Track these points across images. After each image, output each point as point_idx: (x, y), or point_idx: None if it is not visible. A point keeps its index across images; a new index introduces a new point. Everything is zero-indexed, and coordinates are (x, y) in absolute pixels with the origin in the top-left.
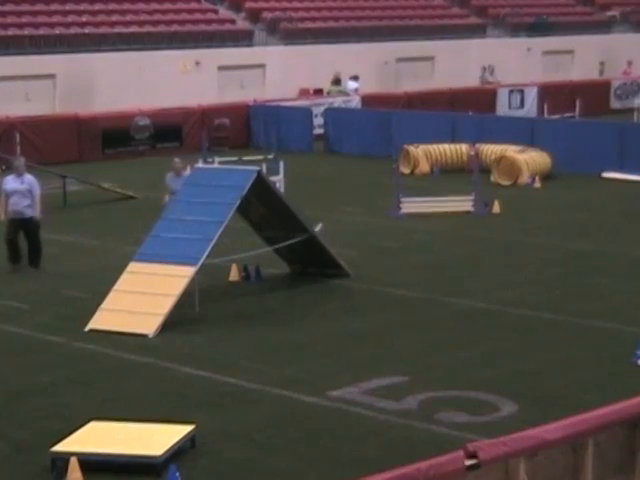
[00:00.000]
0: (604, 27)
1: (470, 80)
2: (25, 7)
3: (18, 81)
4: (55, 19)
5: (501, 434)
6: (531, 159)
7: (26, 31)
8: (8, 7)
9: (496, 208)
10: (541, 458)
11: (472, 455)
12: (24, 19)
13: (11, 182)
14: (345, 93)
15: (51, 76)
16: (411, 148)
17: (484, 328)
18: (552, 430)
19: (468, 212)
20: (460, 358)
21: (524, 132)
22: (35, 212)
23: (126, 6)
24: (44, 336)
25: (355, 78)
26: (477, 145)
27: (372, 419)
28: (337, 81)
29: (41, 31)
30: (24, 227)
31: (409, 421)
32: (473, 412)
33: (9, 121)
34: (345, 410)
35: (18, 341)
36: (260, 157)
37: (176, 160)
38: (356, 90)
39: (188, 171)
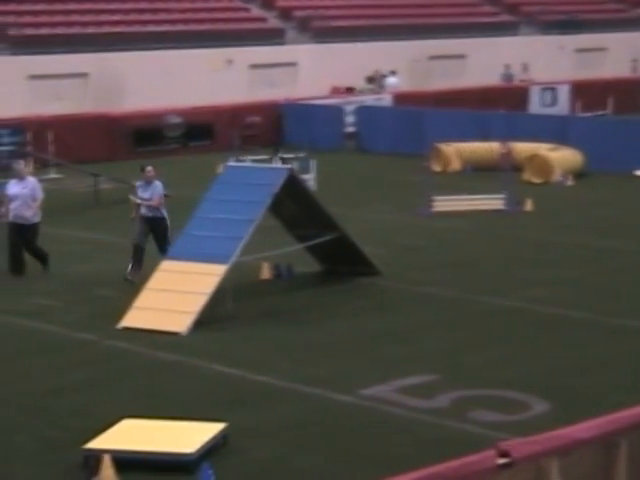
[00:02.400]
0: (636, 24)
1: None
2: (58, 6)
3: (51, 80)
4: (87, 18)
5: (533, 433)
6: (563, 157)
7: (59, 30)
8: (41, 6)
9: (528, 206)
10: (573, 457)
11: (504, 454)
12: (57, 18)
13: (14, 187)
14: (374, 90)
15: (83, 75)
16: (442, 146)
17: (515, 326)
18: (584, 429)
19: (500, 210)
20: (491, 356)
21: (556, 130)
22: (36, 216)
23: (159, 5)
24: (76, 334)
25: (393, 73)
26: (509, 143)
27: (403, 417)
28: (370, 79)
29: (74, 30)
30: (22, 232)
31: (440, 420)
32: (505, 411)
33: (42, 120)
34: (376, 408)
35: (50, 339)
36: (291, 155)
37: (148, 168)
38: (396, 86)
39: (158, 182)
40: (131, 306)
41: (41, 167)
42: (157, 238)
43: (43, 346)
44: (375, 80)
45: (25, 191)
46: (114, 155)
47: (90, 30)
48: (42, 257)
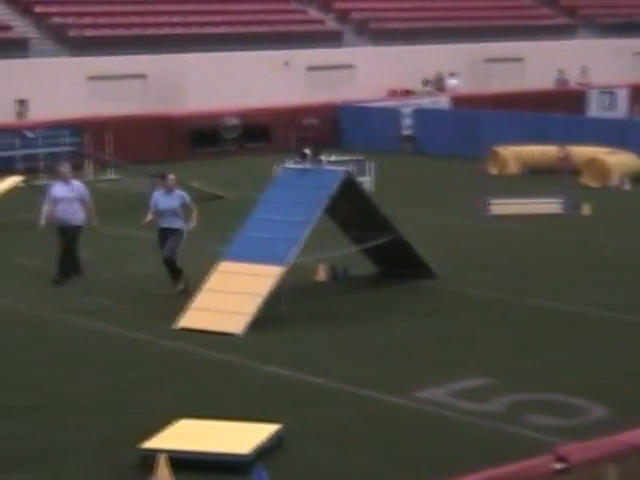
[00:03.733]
0: None
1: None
2: (118, 8)
3: (110, 81)
4: (147, 20)
5: (591, 438)
6: (621, 161)
7: (118, 31)
8: (101, 8)
9: (586, 210)
10: (631, 463)
11: (561, 459)
12: (116, 20)
13: (59, 189)
14: (431, 93)
15: (142, 76)
16: (500, 149)
17: (570, 330)
18: None
19: (557, 214)
20: (547, 360)
21: (614, 133)
22: (90, 219)
23: (217, 7)
24: (132, 333)
25: (453, 75)
26: (567, 147)
27: (458, 421)
28: (427, 81)
29: (133, 31)
30: (64, 235)
31: (496, 423)
32: (561, 415)
33: (101, 120)
34: (431, 411)
35: (107, 338)
36: (348, 157)
37: (171, 177)
38: (456, 87)
39: (179, 191)
40: (187, 307)
41: (100, 167)
42: (166, 244)
43: (100, 345)
44: (436, 82)
45: (71, 194)
46: (172, 156)
47: (149, 32)
48: (66, 265)
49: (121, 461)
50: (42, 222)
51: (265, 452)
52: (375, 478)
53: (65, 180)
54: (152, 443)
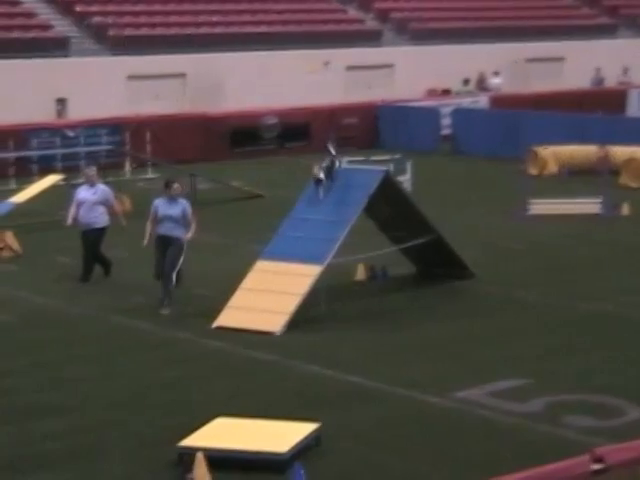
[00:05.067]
0: None
1: None
2: (157, 7)
3: (149, 80)
4: (186, 19)
5: (628, 439)
6: None
7: (158, 31)
8: (140, 7)
9: (625, 210)
10: None
11: (598, 459)
12: (156, 19)
13: (83, 192)
14: (472, 93)
15: (181, 75)
16: (539, 149)
17: (609, 332)
18: None
19: (597, 214)
20: (585, 361)
21: None
22: (119, 220)
23: (256, 6)
24: (171, 332)
25: (496, 74)
26: (606, 147)
27: (496, 421)
28: (467, 81)
29: (172, 31)
30: (87, 237)
31: (534, 424)
32: (599, 416)
33: (140, 119)
34: (469, 411)
35: (145, 336)
36: (387, 157)
37: (175, 185)
38: (499, 86)
39: (183, 200)
40: (225, 305)
41: (138, 166)
42: (166, 257)
43: (138, 343)
44: (479, 81)
45: (93, 197)
46: (211, 155)
47: (189, 31)
48: (88, 269)
49: (158, 459)
50: (69, 221)
51: (303, 451)
52: (413, 478)
53: (91, 183)
54: (189, 441)
